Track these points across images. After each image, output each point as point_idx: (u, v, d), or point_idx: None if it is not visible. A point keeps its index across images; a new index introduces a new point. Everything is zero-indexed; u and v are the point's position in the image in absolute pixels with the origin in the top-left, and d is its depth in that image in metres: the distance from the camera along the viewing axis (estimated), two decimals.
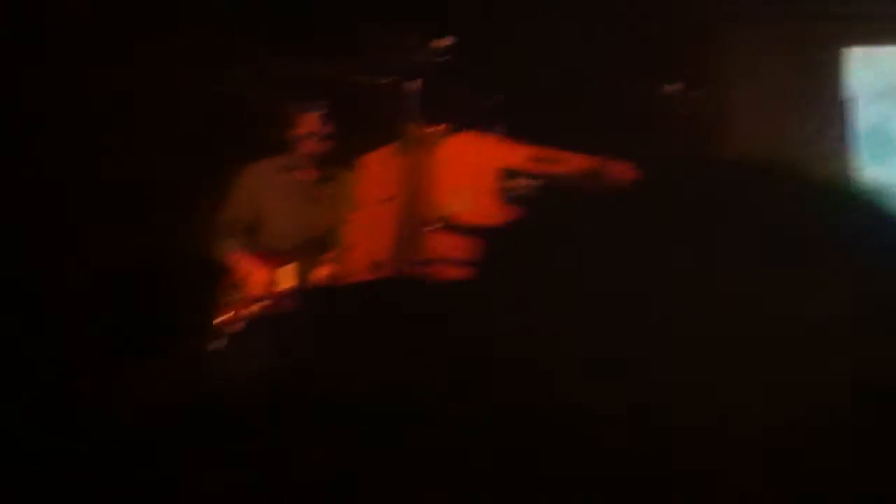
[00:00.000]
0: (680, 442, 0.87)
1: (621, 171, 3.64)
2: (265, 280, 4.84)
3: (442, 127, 3.55)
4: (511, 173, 3.53)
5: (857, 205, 0.95)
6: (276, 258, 4.88)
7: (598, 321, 0.97)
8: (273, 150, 5.10)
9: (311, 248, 4.71)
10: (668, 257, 0.94)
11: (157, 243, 5.33)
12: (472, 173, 3.53)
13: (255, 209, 5.02)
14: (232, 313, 4.95)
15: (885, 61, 5.70)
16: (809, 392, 0.85)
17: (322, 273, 4.63)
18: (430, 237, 3.49)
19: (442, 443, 1.62)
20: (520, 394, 1.02)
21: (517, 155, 3.57)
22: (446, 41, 3.63)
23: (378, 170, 3.81)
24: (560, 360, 0.95)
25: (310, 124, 4.77)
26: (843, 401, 0.85)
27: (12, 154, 5.04)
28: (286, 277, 4.76)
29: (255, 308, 4.87)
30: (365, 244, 3.75)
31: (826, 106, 5.33)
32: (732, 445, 0.86)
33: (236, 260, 4.96)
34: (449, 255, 3.49)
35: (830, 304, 0.88)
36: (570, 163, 3.60)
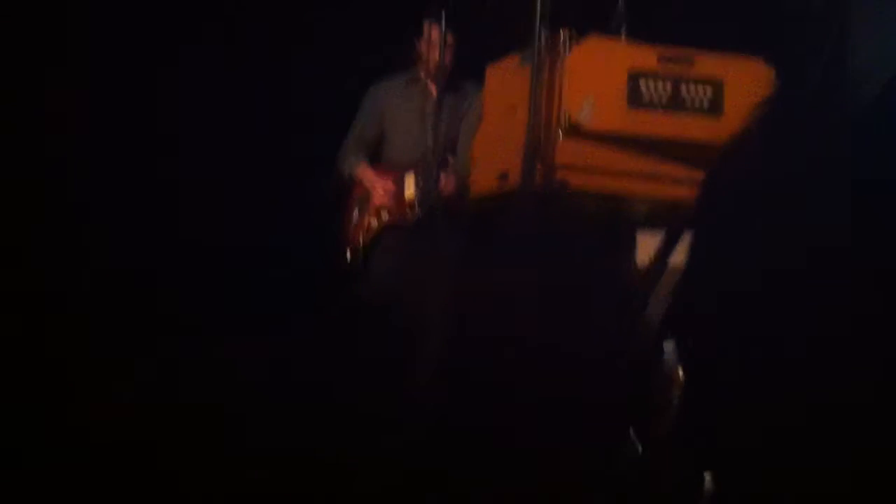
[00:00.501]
0: None
1: (753, 69, 3.54)
2: (392, 192, 4.92)
3: (568, 32, 3.48)
4: (641, 75, 3.46)
5: None
6: (402, 170, 4.94)
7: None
8: (398, 64, 5.12)
9: (436, 159, 4.74)
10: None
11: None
12: (600, 78, 3.46)
13: (381, 123, 5.08)
14: (362, 225, 5.04)
15: None
16: None
17: (448, 184, 4.65)
18: (559, 145, 3.45)
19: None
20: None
21: (647, 57, 3.49)
22: None
23: (505, 79, 3.77)
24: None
25: (434, 37, 4.77)
26: None
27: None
28: (411, 188, 4.82)
29: (383, 219, 4.95)
30: (492, 154, 3.73)
31: None
32: None
33: (364, 172, 5.05)
34: (579, 162, 3.45)
35: None
36: (701, 62, 3.51)
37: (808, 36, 3.91)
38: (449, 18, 4.54)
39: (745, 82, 3.46)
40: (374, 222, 4.98)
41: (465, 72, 4.81)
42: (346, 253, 5.03)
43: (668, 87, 3.45)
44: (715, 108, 3.44)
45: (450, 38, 4.76)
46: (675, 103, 3.45)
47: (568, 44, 3.45)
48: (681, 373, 2.70)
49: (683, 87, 3.46)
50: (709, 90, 3.46)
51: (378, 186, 4.96)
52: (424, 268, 4.51)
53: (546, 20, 3.49)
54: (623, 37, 3.65)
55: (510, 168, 3.53)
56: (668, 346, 3.06)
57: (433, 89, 4.93)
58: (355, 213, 5.07)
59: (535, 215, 3.51)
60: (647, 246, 3.76)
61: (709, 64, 3.51)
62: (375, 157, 5.14)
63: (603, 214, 3.66)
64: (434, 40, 4.81)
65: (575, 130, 3.42)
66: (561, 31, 3.47)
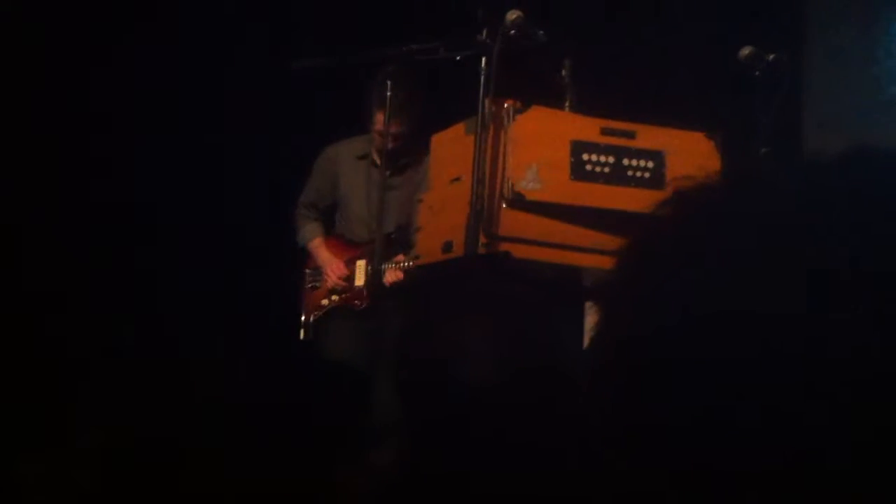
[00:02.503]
0: None
1: (695, 142, 3.56)
2: (344, 276, 4.88)
3: (512, 102, 3.50)
4: (584, 147, 3.47)
5: None
6: (354, 253, 4.90)
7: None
8: (350, 133, 5.08)
9: (385, 239, 4.69)
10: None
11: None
12: (543, 148, 3.47)
13: (335, 191, 5.04)
14: (313, 303, 4.99)
15: None
16: None
17: (394, 278, 4.62)
18: (502, 215, 3.44)
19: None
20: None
21: (589, 129, 3.51)
22: (516, 14, 3.58)
23: (449, 148, 3.77)
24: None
25: (379, 126, 4.68)
26: None
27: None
28: (361, 277, 4.78)
29: (334, 300, 4.91)
30: (437, 224, 3.73)
31: None
32: None
33: (318, 250, 4.99)
34: (523, 233, 3.45)
35: None
36: (643, 135, 3.53)
37: (757, 104, 3.96)
38: (395, 110, 4.47)
39: (687, 155, 3.48)
40: (326, 302, 4.94)
41: (420, 150, 4.74)
42: (300, 329, 4.97)
43: (611, 158, 3.47)
44: (656, 180, 3.45)
45: (396, 128, 4.68)
46: (617, 175, 3.46)
47: (512, 114, 3.45)
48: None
49: (625, 160, 3.47)
50: (650, 163, 3.48)
51: (330, 270, 4.90)
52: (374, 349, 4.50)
53: (490, 90, 3.49)
54: (567, 108, 3.67)
55: (454, 237, 3.52)
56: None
57: (382, 164, 4.87)
58: (308, 286, 5.02)
59: (479, 281, 3.49)
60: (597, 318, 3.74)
61: (651, 136, 3.53)
62: (330, 221, 5.10)
63: (550, 284, 3.65)
64: (382, 129, 4.71)
65: (518, 200, 3.42)
66: (505, 102, 3.48)
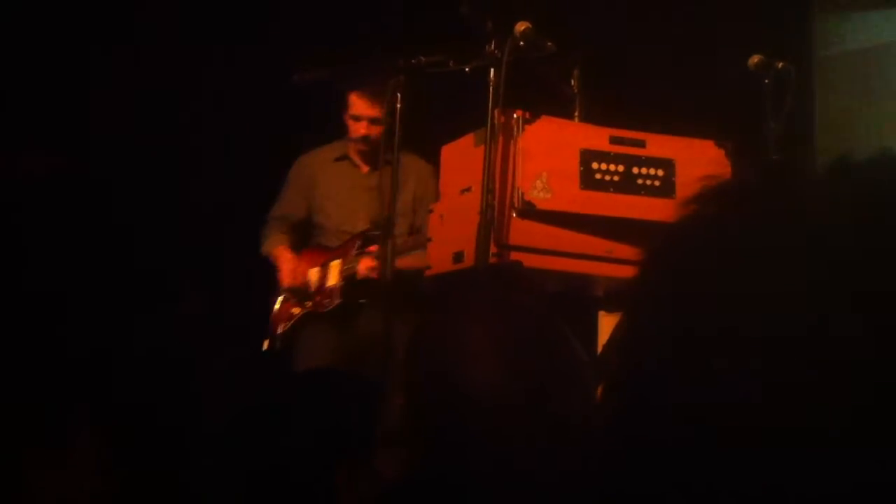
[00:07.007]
0: None
1: (705, 150, 3.56)
2: (315, 277, 4.80)
3: (522, 113, 3.50)
4: (593, 156, 3.47)
5: None
6: (327, 252, 4.83)
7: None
8: (329, 138, 5.04)
9: (364, 239, 4.65)
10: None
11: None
12: (553, 158, 3.47)
13: (309, 199, 4.94)
14: (283, 313, 4.93)
15: None
16: None
17: (367, 266, 4.57)
18: (512, 225, 3.45)
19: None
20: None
21: (598, 138, 3.51)
22: (525, 26, 3.58)
23: (460, 158, 3.77)
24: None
25: (357, 110, 4.65)
26: None
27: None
28: (335, 276, 4.72)
29: (306, 306, 4.84)
30: (448, 234, 3.73)
31: None
32: None
33: (281, 254, 4.90)
34: (533, 242, 3.45)
35: None
36: (653, 144, 3.53)
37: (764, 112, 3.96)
38: (375, 91, 4.40)
39: (697, 163, 3.48)
40: (297, 311, 4.83)
41: (398, 149, 4.71)
42: (266, 341, 4.87)
43: (620, 167, 3.47)
44: (667, 188, 3.46)
45: (374, 112, 4.57)
46: (627, 184, 3.46)
47: (521, 124, 3.46)
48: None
49: (635, 168, 3.48)
50: (660, 171, 3.48)
51: (286, 269, 4.82)
52: (354, 353, 4.46)
53: (499, 101, 3.50)
54: (576, 118, 3.67)
55: (465, 248, 3.52)
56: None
57: (361, 165, 4.83)
58: (282, 300, 4.91)
59: (490, 291, 3.49)
60: (608, 326, 3.75)
61: (661, 145, 3.53)
62: (299, 239, 4.99)
63: (561, 293, 3.65)
64: (358, 113, 4.69)
65: (528, 210, 3.42)
66: (514, 113, 3.48)
